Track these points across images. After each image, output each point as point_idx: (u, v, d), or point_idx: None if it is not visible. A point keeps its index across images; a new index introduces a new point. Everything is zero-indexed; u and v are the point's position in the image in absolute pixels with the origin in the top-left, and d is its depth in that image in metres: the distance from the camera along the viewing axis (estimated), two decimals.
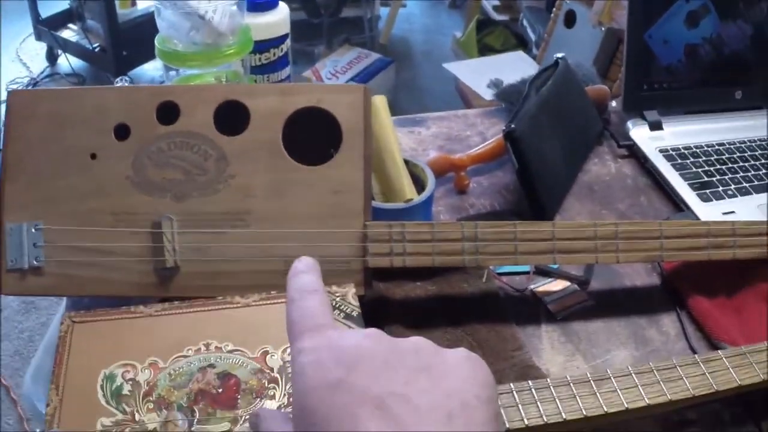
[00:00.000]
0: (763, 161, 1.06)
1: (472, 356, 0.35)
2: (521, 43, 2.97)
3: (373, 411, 0.31)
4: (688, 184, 0.99)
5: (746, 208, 0.97)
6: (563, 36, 2.16)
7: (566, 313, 0.79)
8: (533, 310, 0.78)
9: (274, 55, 0.97)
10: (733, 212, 0.95)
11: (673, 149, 1.06)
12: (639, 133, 1.08)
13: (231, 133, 0.68)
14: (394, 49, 3.56)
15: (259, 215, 0.68)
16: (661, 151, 1.05)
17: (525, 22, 2.92)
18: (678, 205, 0.98)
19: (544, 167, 0.93)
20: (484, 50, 3.00)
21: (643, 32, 1.07)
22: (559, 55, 1.07)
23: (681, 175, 1.01)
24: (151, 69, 3.26)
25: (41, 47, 3.40)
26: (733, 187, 1.00)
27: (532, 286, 0.81)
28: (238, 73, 0.97)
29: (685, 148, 1.06)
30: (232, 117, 0.68)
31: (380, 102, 0.87)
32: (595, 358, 0.75)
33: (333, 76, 2.93)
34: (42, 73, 3.34)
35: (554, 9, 2.12)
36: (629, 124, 1.10)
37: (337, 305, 0.62)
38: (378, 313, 0.72)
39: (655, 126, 1.09)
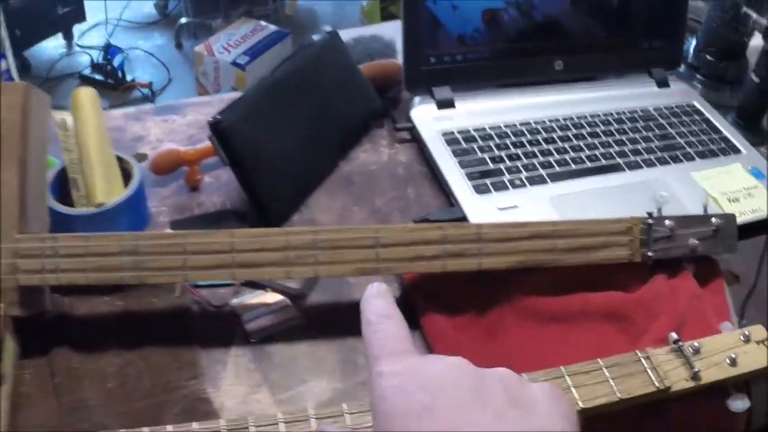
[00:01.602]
0: (574, 142, 0.89)
1: (556, 391, 0.36)
2: None
3: None
4: (466, 173, 0.82)
5: (534, 201, 0.79)
6: None
7: (265, 334, 0.66)
8: (228, 329, 0.66)
9: None
10: (515, 206, 0.78)
11: (460, 131, 0.88)
12: (423, 112, 0.90)
13: None
14: (299, 20, 3.36)
15: None
16: (444, 134, 0.87)
17: None
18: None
19: (269, 161, 0.76)
20: (388, 19, 2.81)
21: None
22: (328, 28, 0.89)
23: (460, 162, 0.83)
24: (51, 47, 3.13)
25: None
26: (524, 175, 0.83)
27: (235, 301, 0.68)
28: None
29: (477, 130, 0.89)
30: None
31: (85, 96, 0.74)
32: (285, 390, 0.61)
33: (225, 50, 2.75)
34: None
35: None
36: (415, 101, 0.91)
37: None
38: (51, 333, 0.64)
39: (445, 104, 0.91)
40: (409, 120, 0.90)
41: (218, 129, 0.72)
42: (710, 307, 0.67)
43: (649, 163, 0.88)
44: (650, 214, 0.70)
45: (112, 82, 2.93)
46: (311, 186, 0.81)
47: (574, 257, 0.68)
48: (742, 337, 0.58)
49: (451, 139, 0.87)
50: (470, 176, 0.81)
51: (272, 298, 0.69)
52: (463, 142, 0.86)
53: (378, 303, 0.39)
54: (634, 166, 0.87)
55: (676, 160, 0.90)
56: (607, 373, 0.56)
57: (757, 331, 0.58)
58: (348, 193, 0.80)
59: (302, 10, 3.48)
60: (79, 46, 3.23)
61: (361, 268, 0.64)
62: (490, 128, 0.89)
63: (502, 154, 0.86)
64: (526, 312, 0.68)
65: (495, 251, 0.66)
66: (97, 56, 3.03)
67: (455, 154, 0.84)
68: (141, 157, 0.80)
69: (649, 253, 0.68)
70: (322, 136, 0.84)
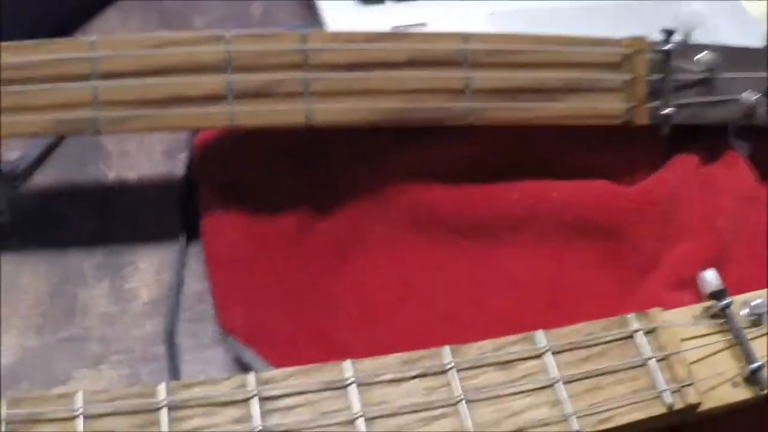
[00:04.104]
0: None
1: None
2: None
3: None
4: None
5: (457, 19, 0.44)
6: None
7: None
8: None
9: None
10: (422, 25, 0.44)
11: None
12: None
13: None
14: None
15: None
16: None
17: None
18: None
19: None
20: None
21: None
22: None
23: None
24: None
25: None
26: None
27: None
28: None
29: None
30: None
31: None
32: None
33: None
34: None
35: None
36: None
37: None
38: None
39: None
40: None
41: None
42: None
43: None
44: (669, 33, 0.37)
45: None
46: None
47: (508, 110, 0.33)
48: None
49: None
50: None
51: None
52: None
53: None
54: None
55: None
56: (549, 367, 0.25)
57: None
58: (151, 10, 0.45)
59: None
60: None
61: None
62: None
63: None
64: (408, 215, 0.35)
65: (338, 89, 0.31)
66: None
67: None
68: None
69: (665, 111, 0.36)
70: None
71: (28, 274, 0.35)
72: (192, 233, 0.36)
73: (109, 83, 0.32)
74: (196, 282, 0.35)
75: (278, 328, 0.31)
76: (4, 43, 0.31)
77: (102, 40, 0.32)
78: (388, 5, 0.45)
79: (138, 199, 0.38)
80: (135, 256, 0.36)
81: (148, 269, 0.35)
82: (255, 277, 0.33)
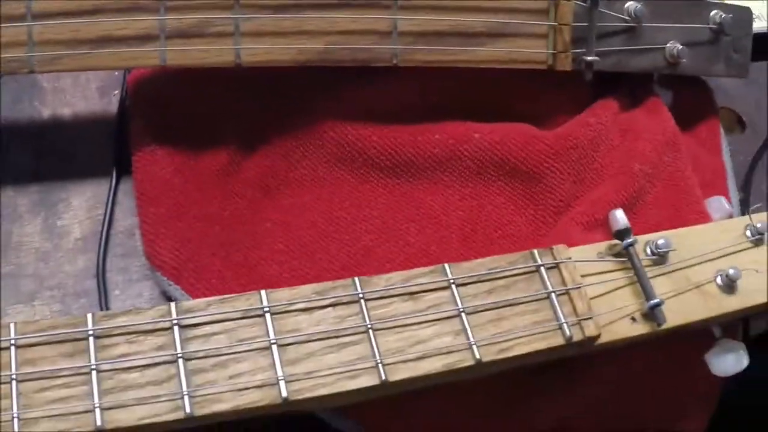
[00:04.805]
0: None
1: None
2: None
3: None
4: None
5: None
6: None
7: None
8: None
9: None
10: None
11: None
12: None
13: None
14: None
15: None
16: None
17: None
18: None
19: None
20: None
21: None
22: None
23: None
24: None
25: None
26: None
27: None
28: None
29: None
30: None
31: None
32: None
33: None
34: None
35: None
36: None
37: None
38: None
39: None
40: None
41: None
42: (694, 167, 0.40)
43: None
44: None
45: None
46: None
47: (433, 52, 0.35)
48: (748, 232, 0.33)
49: None
50: None
51: None
52: None
53: None
54: None
55: None
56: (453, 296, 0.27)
57: None
58: None
59: None
60: None
61: None
62: None
63: None
64: (334, 152, 0.36)
65: (268, 29, 0.32)
66: None
67: None
68: None
69: (589, 58, 0.37)
70: None
71: None
72: (125, 169, 0.36)
73: (44, 23, 0.32)
74: (127, 218, 0.35)
75: (205, 264, 0.32)
76: None
77: None
78: None
79: (72, 136, 0.38)
80: (68, 192, 0.36)
81: (81, 205, 0.36)
82: (183, 214, 0.33)
